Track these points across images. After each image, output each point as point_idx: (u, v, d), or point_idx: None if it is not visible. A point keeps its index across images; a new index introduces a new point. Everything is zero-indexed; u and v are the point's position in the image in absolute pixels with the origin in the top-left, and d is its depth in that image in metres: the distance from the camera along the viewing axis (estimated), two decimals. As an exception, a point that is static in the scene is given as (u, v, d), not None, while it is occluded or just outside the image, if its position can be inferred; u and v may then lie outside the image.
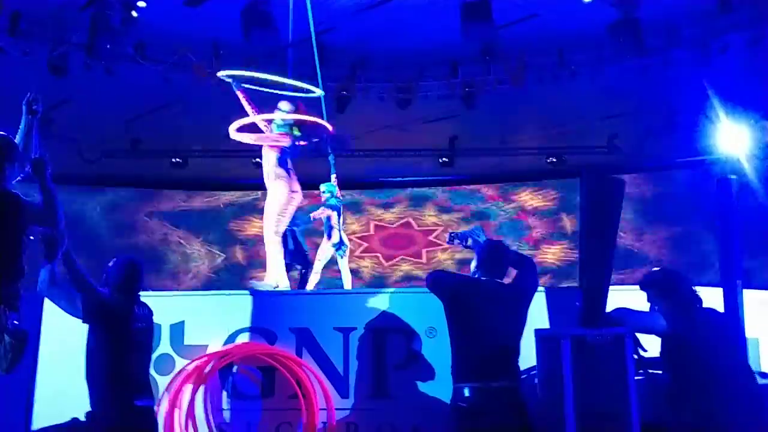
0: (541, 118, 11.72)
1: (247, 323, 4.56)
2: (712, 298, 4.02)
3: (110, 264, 3.88)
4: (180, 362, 4.48)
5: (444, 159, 12.76)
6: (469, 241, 4.13)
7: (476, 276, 4.14)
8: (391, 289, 4.76)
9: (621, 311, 3.86)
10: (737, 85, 10.63)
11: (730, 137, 11.56)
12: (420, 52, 11.00)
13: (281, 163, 5.84)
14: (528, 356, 4.01)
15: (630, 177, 12.12)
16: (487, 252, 4.14)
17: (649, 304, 4.05)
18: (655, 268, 4.12)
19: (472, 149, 12.48)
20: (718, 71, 10.30)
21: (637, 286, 4.03)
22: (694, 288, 3.92)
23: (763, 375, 4.12)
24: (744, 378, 3.80)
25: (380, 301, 4.59)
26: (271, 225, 5.54)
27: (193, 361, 4.43)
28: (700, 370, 3.76)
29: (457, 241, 4.15)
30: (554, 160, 12.79)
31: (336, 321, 4.51)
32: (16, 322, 3.46)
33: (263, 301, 4.78)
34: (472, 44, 10.66)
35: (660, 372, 4.08)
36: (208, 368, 4.40)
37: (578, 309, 3.80)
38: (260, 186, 6.54)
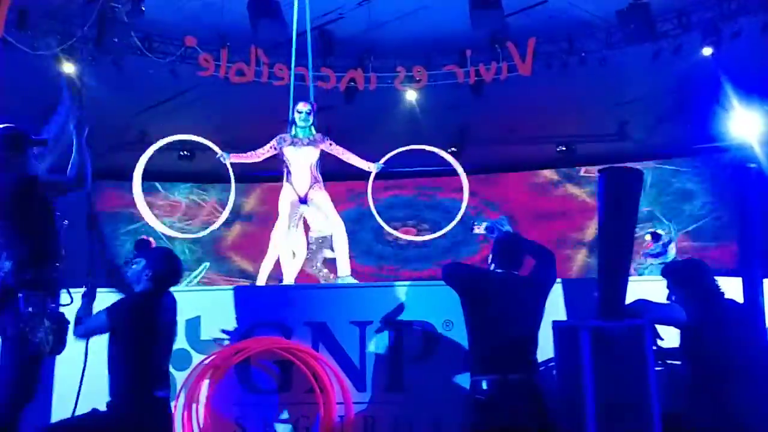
0: (550, 106, 11.65)
1: (263, 318, 4.54)
2: (733, 287, 3.97)
3: (147, 254, 3.87)
4: (197, 357, 4.47)
5: (453, 148, 12.68)
6: (495, 232, 4.12)
7: (492, 268, 4.11)
8: (408, 282, 4.70)
9: (640, 302, 3.84)
10: (749, 70, 10.55)
11: (742, 123, 11.50)
12: (429, 41, 10.94)
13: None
14: (546, 348, 3.98)
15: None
16: (503, 244, 4.11)
17: (668, 293, 4.02)
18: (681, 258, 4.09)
19: (481, 138, 12.39)
20: (730, 56, 10.22)
21: (660, 277, 4.00)
22: (714, 278, 3.89)
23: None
24: (764, 369, 3.77)
25: (396, 295, 4.56)
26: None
27: (209, 356, 4.42)
28: (719, 361, 3.74)
29: (483, 231, 4.15)
30: (564, 148, 12.72)
31: (352, 315, 4.49)
32: (53, 305, 3.53)
33: (279, 295, 4.77)
34: (481, 32, 10.61)
35: (679, 362, 4.06)
36: (224, 363, 4.39)
37: (596, 300, 3.77)
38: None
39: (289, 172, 6.01)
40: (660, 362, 3.97)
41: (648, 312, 3.74)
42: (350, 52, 11.23)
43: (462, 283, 4.01)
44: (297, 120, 6.04)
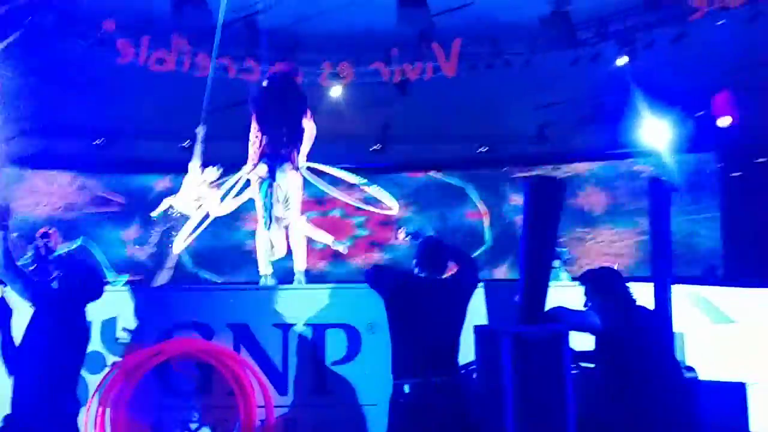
0: (474, 107, 11.84)
1: (183, 318, 4.42)
2: (644, 293, 4.14)
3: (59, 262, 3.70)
4: (112, 360, 4.32)
5: (376, 146, 12.75)
6: (418, 237, 4.16)
7: (416, 272, 4.13)
8: (331, 285, 4.69)
9: (558, 309, 3.95)
10: (661, 80, 11.02)
11: (653, 131, 12.03)
12: (356, 37, 10.90)
13: None
14: (468, 351, 4.05)
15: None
16: (426, 248, 4.15)
17: (585, 299, 4.16)
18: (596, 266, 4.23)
19: (404, 137, 12.48)
20: (643, 66, 10.64)
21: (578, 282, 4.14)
22: (627, 285, 4.06)
23: (689, 369, 4.30)
24: (673, 373, 3.96)
25: (320, 297, 4.54)
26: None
27: (125, 358, 4.28)
28: (631, 365, 3.90)
29: (408, 237, 4.18)
30: (485, 149, 12.96)
31: (275, 317, 4.43)
32: None
33: (200, 296, 4.66)
34: (407, 31, 10.66)
35: (593, 366, 4.20)
36: (141, 366, 4.26)
37: (518, 305, 3.86)
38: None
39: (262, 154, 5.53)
40: (576, 366, 4.10)
41: (565, 318, 3.87)
42: (277, 45, 11.06)
43: (385, 286, 4.04)
44: None
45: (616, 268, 3.95)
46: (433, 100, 11.55)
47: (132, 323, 4.39)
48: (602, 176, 13.27)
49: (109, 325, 4.39)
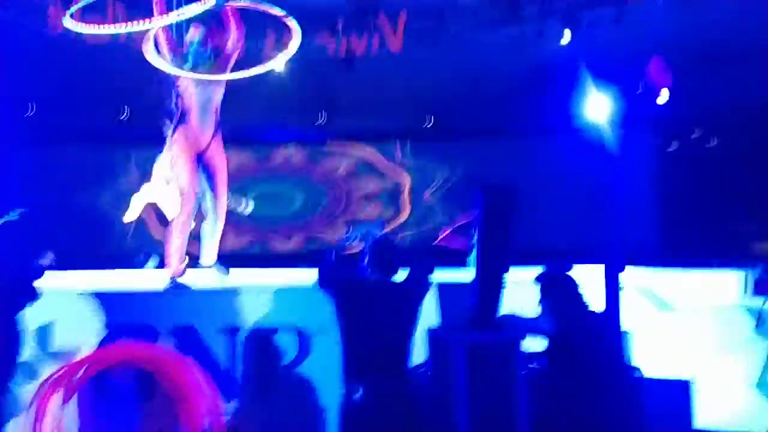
0: (419, 82, 11.72)
1: (126, 322, 4.22)
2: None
3: None
4: (48, 368, 4.09)
5: (321, 120, 12.57)
6: (368, 240, 4.08)
7: (367, 273, 4.09)
8: (281, 285, 4.56)
9: (511, 316, 3.95)
10: (603, 57, 11.12)
11: (595, 106, 12.19)
12: (300, 8, 10.57)
13: None
14: (420, 354, 4.03)
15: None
16: (377, 250, 4.09)
17: (538, 298, 4.16)
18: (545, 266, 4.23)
19: (348, 110, 12.32)
20: (587, 43, 10.69)
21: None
22: (580, 288, 4.06)
23: (636, 368, 4.37)
24: (622, 373, 4.02)
25: (268, 298, 4.41)
26: None
27: (62, 366, 4.06)
28: (582, 368, 3.94)
29: (356, 240, 4.10)
30: (430, 123, 12.92)
31: (222, 319, 4.29)
32: None
33: (144, 299, 4.47)
34: (353, 3, 10.41)
35: (544, 367, 4.23)
36: (79, 374, 4.05)
37: (471, 310, 3.83)
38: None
39: (183, 114, 4.91)
40: (528, 368, 4.12)
41: (519, 324, 3.87)
42: (216, 15, 10.64)
43: (336, 288, 3.97)
44: (191, 56, 4.93)
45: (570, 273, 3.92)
46: (378, 74, 11.39)
47: (73, 329, 4.16)
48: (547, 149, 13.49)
49: (45, 331, 4.16)
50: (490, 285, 3.75)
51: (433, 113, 12.91)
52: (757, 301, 4.89)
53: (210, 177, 4.94)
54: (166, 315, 4.24)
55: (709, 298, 4.82)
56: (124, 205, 6.02)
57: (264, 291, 4.41)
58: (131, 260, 8.69)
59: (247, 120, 12.53)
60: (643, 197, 13.24)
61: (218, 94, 4.76)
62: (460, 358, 3.69)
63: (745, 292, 5.16)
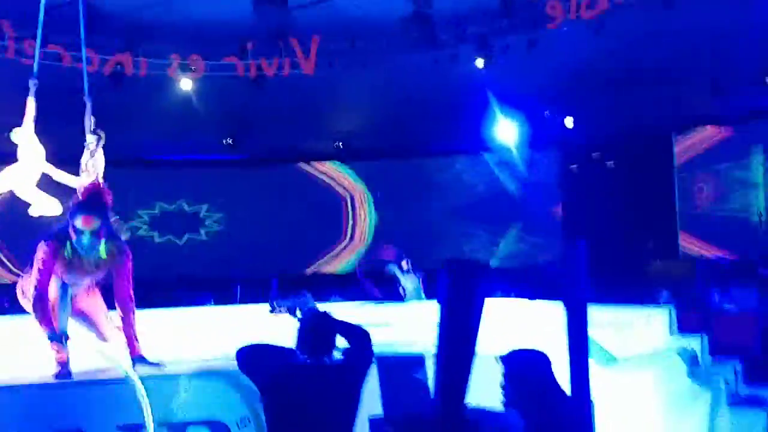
0: (331, 105, 11.55)
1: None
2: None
3: None
4: None
5: (229, 140, 12.17)
6: (298, 312, 3.57)
7: (298, 353, 3.44)
8: (194, 370, 3.81)
9: (478, 411, 3.58)
10: (514, 83, 11.31)
11: (505, 130, 12.44)
12: (207, 29, 10.16)
13: None
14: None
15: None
16: (309, 325, 3.46)
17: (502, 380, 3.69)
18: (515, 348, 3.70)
19: (259, 132, 12.00)
20: (499, 69, 10.83)
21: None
22: (552, 371, 3.64)
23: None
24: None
25: (179, 387, 3.68)
26: None
27: None
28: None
29: (282, 310, 3.60)
30: (340, 145, 12.80)
31: (119, 416, 3.46)
32: None
33: (16, 396, 3.51)
34: (264, 25, 10.10)
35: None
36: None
37: (434, 403, 3.46)
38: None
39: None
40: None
41: (486, 421, 3.55)
42: (118, 31, 10.07)
43: (260, 373, 3.36)
44: (79, 243, 3.80)
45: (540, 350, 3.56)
46: (290, 97, 11.12)
47: None
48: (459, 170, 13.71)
49: None
50: (454, 374, 3.36)
51: (345, 135, 12.76)
52: (687, 341, 4.93)
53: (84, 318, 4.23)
54: (46, 416, 3.35)
55: (640, 340, 4.79)
56: None
57: (172, 378, 3.67)
58: None
59: (151, 139, 12.03)
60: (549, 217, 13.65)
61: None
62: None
63: (671, 332, 5.23)
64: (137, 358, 3.98)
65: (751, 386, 4.92)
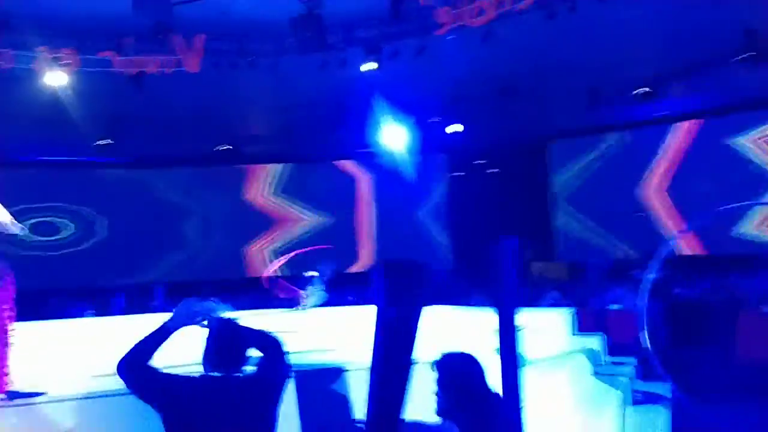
0: (214, 105, 11.12)
1: None
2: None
3: None
4: None
5: (106, 140, 11.45)
6: (204, 321, 3.14)
7: (203, 367, 3.05)
8: (80, 393, 3.48)
9: (414, 426, 3.40)
10: (402, 88, 11.33)
11: (391, 135, 12.46)
12: (79, 22, 9.47)
13: None
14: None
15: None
16: (217, 336, 3.07)
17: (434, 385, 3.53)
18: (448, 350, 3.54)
19: (138, 132, 11.35)
20: (388, 74, 10.81)
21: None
22: (485, 376, 3.51)
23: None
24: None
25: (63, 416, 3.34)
26: None
27: None
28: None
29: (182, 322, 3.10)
30: (230, 147, 12.37)
31: None
32: None
33: None
34: (143, 20, 9.53)
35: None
36: None
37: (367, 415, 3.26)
38: None
39: None
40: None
41: None
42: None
43: (154, 393, 2.92)
44: None
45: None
46: (172, 95, 10.59)
47: None
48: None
49: None
50: (390, 389, 3.12)
51: (231, 137, 12.33)
52: (589, 341, 5.02)
53: None
54: None
55: (544, 342, 4.80)
56: None
57: (61, 400, 3.39)
58: None
59: (18, 138, 11.08)
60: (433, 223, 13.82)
61: None
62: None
63: (573, 331, 5.33)
64: (9, 394, 3.56)
65: (647, 383, 5.07)
